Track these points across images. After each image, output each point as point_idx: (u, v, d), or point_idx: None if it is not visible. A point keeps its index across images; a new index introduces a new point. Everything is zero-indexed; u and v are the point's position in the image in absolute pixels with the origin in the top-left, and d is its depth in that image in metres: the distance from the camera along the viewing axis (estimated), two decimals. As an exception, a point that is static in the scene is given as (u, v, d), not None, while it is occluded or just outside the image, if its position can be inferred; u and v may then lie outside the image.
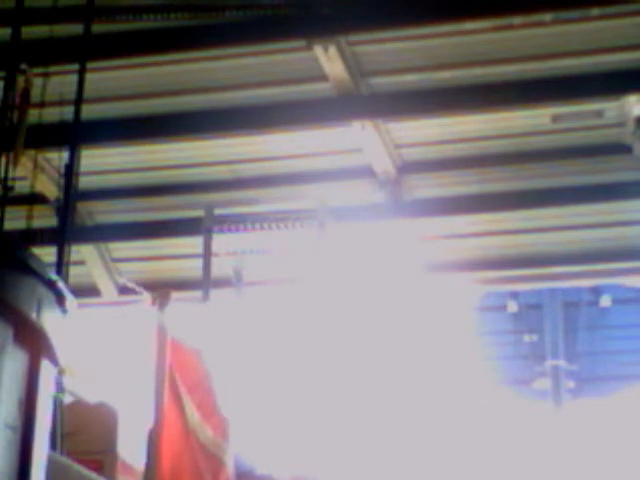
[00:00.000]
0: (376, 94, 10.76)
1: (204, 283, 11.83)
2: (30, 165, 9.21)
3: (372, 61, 10.47)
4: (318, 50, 10.11)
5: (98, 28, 9.17)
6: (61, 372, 6.97)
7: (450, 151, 11.51)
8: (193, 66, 10.60)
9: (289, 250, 12.52)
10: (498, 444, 21.67)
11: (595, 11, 9.67)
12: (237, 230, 11.95)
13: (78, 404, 8.95)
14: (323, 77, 10.49)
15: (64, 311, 4.66)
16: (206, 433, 8.21)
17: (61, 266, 7.81)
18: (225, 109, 10.92)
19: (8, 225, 7.55)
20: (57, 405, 7.55)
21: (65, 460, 7.45)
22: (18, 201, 8.15)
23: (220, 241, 11.97)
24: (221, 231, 11.90)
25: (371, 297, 13.86)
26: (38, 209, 9.15)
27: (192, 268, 12.48)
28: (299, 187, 11.97)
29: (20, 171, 8.29)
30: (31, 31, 8.65)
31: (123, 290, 13.36)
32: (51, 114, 8.57)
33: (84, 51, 8.61)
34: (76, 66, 8.53)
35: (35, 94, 8.29)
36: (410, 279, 12.80)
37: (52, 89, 8.50)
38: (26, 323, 4.36)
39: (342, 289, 12.36)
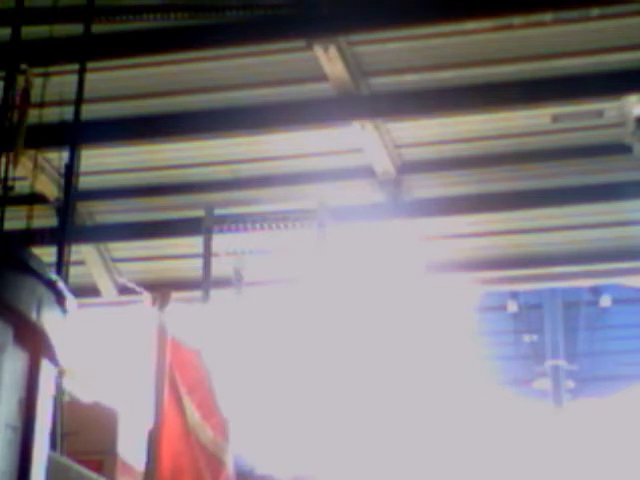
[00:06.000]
0: (376, 94, 10.76)
1: (204, 283, 11.83)
2: (30, 165, 9.22)
3: (372, 61, 10.47)
4: (318, 50, 10.11)
5: (98, 28, 9.17)
6: (61, 372, 6.97)
7: (450, 151, 11.50)
8: (193, 66, 10.59)
9: (289, 250, 12.52)
10: (498, 444, 21.68)
11: (595, 11, 9.67)
12: (237, 230, 11.94)
13: (78, 404, 8.96)
14: (323, 77, 10.49)
15: (64, 311, 4.66)
16: (206, 433, 8.22)
17: (61, 266, 7.81)
18: (225, 109, 10.92)
19: (8, 225, 7.56)
20: (57, 405, 7.55)
21: (65, 460, 7.46)
22: (18, 201, 8.15)
23: (220, 241, 11.97)
24: (221, 231, 11.89)
25: (371, 297, 13.86)
26: (38, 209, 9.14)
27: (192, 268, 12.48)
28: (299, 187, 11.97)
29: (20, 171, 8.30)
30: (31, 31, 8.65)
31: (123, 290, 13.36)
32: (51, 114, 8.58)
33: (84, 51, 8.61)
34: (76, 66, 8.54)
35: (35, 94, 8.30)
36: (410, 279, 12.80)
37: (52, 89, 8.51)
38: (26, 323, 4.36)
39: (342, 289, 12.36)
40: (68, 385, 8.38)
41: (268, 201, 12.13)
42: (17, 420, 4.35)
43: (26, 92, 8.20)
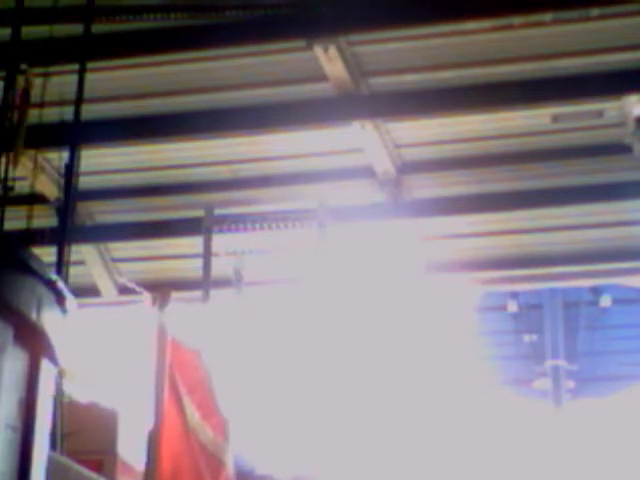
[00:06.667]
0: (376, 94, 10.76)
1: (204, 283, 11.82)
2: (30, 165, 9.21)
3: (372, 61, 10.47)
4: (318, 50, 10.11)
5: (98, 28, 9.17)
6: (61, 373, 6.97)
7: (450, 151, 11.50)
8: (193, 66, 10.59)
9: (289, 250, 12.52)
10: (498, 444, 21.68)
11: (595, 11, 9.67)
12: (237, 230, 11.94)
13: (78, 404, 8.95)
14: (323, 77, 10.49)
15: (64, 311, 4.66)
16: (206, 433, 8.22)
17: (61, 266, 7.81)
18: (225, 109, 10.92)
19: (8, 225, 7.56)
20: (57, 405, 7.55)
21: (65, 460, 7.46)
22: (18, 201, 8.16)
23: (220, 241, 11.97)
24: (221, 231, 11.89)
25: (371, 297, 13.86)
26: (38, 209, 9.14)
27: (192, 268, 12.47)
28: (299, 187, 11.97)
29: (20, 171, 8.30)
30: (31, 31, 8.66)
31: (123, 290, 13.36)
32: (51, 114, 8.58)
33: (84, 51, 8.61)
34: (76, 66, 8.54)
35: (35, 94, 8.30)
36: (410, 279, 12.80)
37: (52, 89, 8.50)
38: (26, 323, 4.36)
39: (342, 289, 12.36)
40: (68, 385, 8.38)
41: (268, 201, 12.13)
42: (17, 420, 4.35)
43: (26, 92, 8.20)
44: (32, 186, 9.34)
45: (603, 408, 21.79)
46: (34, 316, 4.38)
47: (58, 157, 8.65)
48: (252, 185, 12.06)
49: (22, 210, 8.35)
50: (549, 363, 22.00)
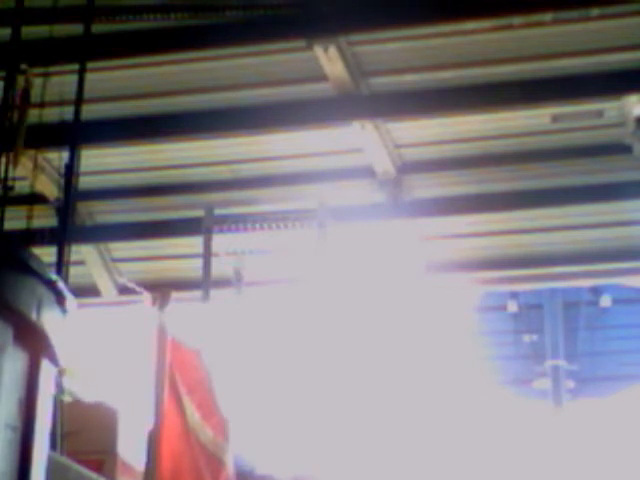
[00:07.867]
0: (376, 94, 10.76)
1: (204, 283, 11.82)
2: (30, 165, 9.21)
3: (372, 61, 10.47)
4: (318, 50, 10.11)
5: (98, 28, 9.18)
6: (61, 372, 6.97)
7: (450, 151, 11.51)
8: (193, 66, 10.60)
9: (289, 250, 12.52)
10: (498, 444, 21.68)
11: (595, 11, 9.67)
12: (237, 230, 11.94)
13: (78, 404, 8.95)
14: (323, 77, 10.49)
15: (64, 311, 4.65)
16: (206, 433, 8.22)
17: (61, 266, 7.81)
18: (225, 109, 10.92)
19: (8, 225, 7.57)
20: (57, 405, 7.55)
21: (65, 460, 7.46)
22: (18, 201, 8.16)
23: (220, 241, 11.97)
24: (221, 231, 11.89)
25: (371, 297, 13.86)
26: (38, 209, 9.14)
27: (192, 268, 12.48)
28: (299, 187, 11.97)
29: (20, 171, 8.30)
30: (31, 31, 8.66)
31: (123, 290, 13.35)
32: (51, 114, 8.58)
33: (84, 51, 8.62)
34: (76, 66, 8.54)
35: (35, 94, 8.30)
36: (410, 279, 12.80)
37: (52, 89, 8.51)
38: (26, 323, 4.36)
39: (342, 289, 12.36)
40: (68, 385, 8.38)
41: (268, 201, 12.13)
42: (17, 420, 4.35)
43: (26, 92, 8.20)
44: (32, 186, 9.34)
45: (603, 408, 21.80)
46: (34, 316, 4.38)
47: (58, 157, 8.65)
48: (252, 185, 12.06)
49: (22, 210, 8.35)
50: (549, 363, 22.01)
